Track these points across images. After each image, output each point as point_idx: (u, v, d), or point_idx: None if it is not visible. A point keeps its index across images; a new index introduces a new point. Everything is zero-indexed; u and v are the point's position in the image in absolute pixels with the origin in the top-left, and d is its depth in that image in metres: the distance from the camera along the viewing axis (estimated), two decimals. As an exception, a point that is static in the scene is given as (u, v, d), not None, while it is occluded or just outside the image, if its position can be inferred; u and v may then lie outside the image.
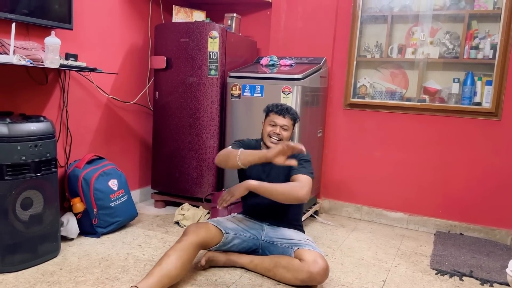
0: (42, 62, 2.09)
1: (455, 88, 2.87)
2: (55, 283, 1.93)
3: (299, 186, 2.01)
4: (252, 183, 2.02)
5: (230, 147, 2.24)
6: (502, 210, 2.82)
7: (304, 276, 1.95)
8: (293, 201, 2.04)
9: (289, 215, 2.26)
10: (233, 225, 2.23)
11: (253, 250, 2.22)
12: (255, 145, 2.33)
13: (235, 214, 2.39)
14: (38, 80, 2.41)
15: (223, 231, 2.16)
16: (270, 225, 2.25)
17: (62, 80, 2.55)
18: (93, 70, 2.34)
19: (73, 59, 2.37)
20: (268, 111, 2.26)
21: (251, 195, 2.25)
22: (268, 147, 2.19)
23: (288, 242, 2.13)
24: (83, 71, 2.50)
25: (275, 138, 2.19)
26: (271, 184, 2.02)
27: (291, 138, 2.64)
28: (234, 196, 2.03)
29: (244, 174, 2.28)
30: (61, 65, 2.16)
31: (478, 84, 2.82)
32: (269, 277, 2.08)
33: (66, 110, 2.59)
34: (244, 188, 2.03)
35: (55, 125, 2.25)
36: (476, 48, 2.82)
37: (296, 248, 2.07)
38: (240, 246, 2.19)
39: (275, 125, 2.20)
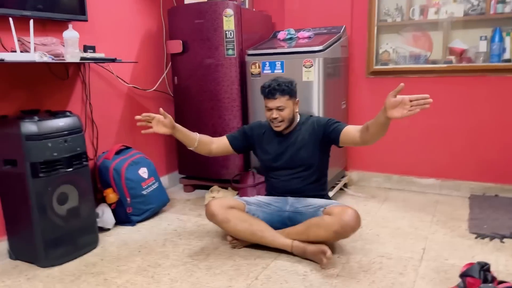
0: (63, 57, 2.08)
1: (483, 46, 2.76)
2: (99, 274, 1.98)
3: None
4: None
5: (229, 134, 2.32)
6: (539, 168, 2.74)
7: (337, 227, 1.94)
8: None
9: (312, 189, 2.23)
10: (255, 200, 2.26)
11: (282, 224, 2.19)
12: (265, 125, 2.29)
13: (258, 196, 2.39)
14: (60, 75, 2.40)
15: (245, 203, 2.20)
16: (294, 197, 2.24)
17: (83, 73, 2.54)
18: (113, 60, 2.33)
19: (91, 50, 2.35)
20: (262, 94, 2.18)
21: (273, 174, 2.27)
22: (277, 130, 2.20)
23: (314, 207, 2.12)
24: (103, 62, 2.49)
25: (276, 122, 2.15)
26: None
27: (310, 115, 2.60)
28: None
29: (261, 153, 2.29)
30: (82, 58, 2.14)
31: (507, 39, 2.70)
32: (303, 241, 2.07)
33: (90, 103, 2.60)
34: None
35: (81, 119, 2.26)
36: (503, 2, 2.67)
37: (323, 209, 2.07)
38: (266, 220, 2.18)
39: (270, 109, 2.14)
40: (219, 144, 2.29)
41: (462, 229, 2.37)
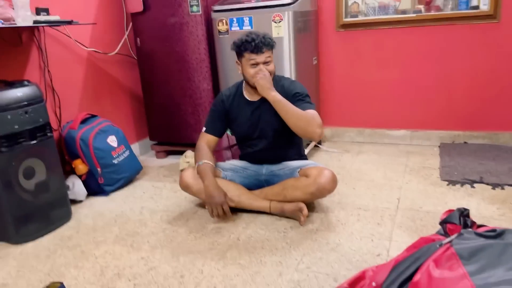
0: (14, 20, 1.91)
1: (451, -6, 2.74)
2: (75, 247, 1.92)
3: (316, 123, 1.90)
4: (273, 95, 1.91)
5: (204, 129, 2.16)
6: (505, 113, 2.81)
7: (313, 189, 1.94)
8: (305, 135, 1.96)
9: (289, 155, 2.18)
10: (231, 166, 2.21)
11: (259, 187, 2.17)
12: (235, 92, 2.14)
13: (233, 160, 2.34)
14: (12, 42, 2.22)
15: (220, 169, 2.16)
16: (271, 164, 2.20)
17: (38, 38, 2.36)
18: (69, 22, 2.17)
19: (45, 13, 2.18)
20: (241, 51, 1.98)
21: (248, 144, 2.19)
22: (254, 88, 2.00)
23: (291, 168, 2.10)
24: (58, 26, 2.31)
25: None
26: (290, 105, 1.91)
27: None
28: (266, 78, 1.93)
29: (233, 124, 2.17)
30: (35, 22, 1.98)
31: (475, -15, 2.69)
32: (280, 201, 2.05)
33: (48, 70, 2.44)
34: (267, 90, 1.92)
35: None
36: None
37: (299, 170, 2.06)
38: (243, 184, 2.16)
39: (256, 64, 1.97)
40: (210, 144, 2.14)
41: (434, 177, 2.44)
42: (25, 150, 1.95)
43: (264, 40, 1.95)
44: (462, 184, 2.30)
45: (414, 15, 2.82)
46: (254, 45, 1.93)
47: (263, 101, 2.05)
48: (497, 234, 1.02)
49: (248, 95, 2.12)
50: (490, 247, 0.98)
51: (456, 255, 1.00)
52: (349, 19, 2.99)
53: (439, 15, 2.78)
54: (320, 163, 2.28)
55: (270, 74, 1.99)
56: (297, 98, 1.99)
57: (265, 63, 1.97)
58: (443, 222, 1.16)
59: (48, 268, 1.76)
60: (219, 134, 2.18)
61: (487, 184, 2.27)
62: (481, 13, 2.68)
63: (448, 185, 2.31)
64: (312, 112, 1.94)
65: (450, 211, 1.19)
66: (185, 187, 2.14)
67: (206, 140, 2.15)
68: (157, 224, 2.09)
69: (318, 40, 3.11)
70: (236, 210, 2.12)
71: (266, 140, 2.12)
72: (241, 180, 2.17)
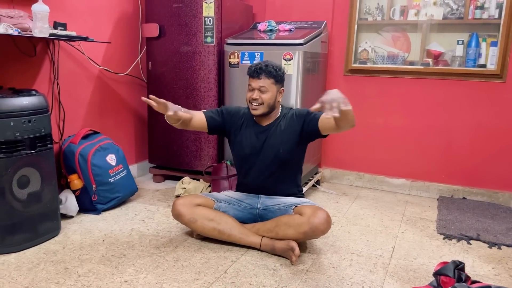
0: (31, 31, 1.95)
1: (459, 50, 2.80)
2: (59, 262, 1.87)
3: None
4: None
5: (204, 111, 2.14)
6: (505, 173, 2.81)
7: (306, 228, 1.91)
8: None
9: (286, 188, 2.17)
10: (225, 197, 2.18)
11: (252, 221, 2.15)
12: (244, 113, 2.16)
13: (229, 190, 2.32)
14: (26, 52, 2.26)
15: (214, 200, 2.13)
16: (266, 195, 2.18)
17: (52, 52, 2.40)
18: (85, 39, 2.21)
19: (62, 28, 2.23)
20: (247, 74, 2.05)
21: (247, 167, 2.17)
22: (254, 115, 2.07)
23: (286, 205, 2.08)
24: (73, 41, 2.36)
25: (254, 104, 2.01)
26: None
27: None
28: None
29: (235, 144, 2.16)
30: (51, 34, 2.02)
31: (483, 45, 2.75)
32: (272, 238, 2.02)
33: (57, 83, 2.46)
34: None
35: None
36: (481, 7, 2.72)
37: (294, 207, 2.04)
38: (237, 217, 2.13)
39: (252, 89, 2.01)
40: (198, 120, 2.09)
41: (431, 230, 2.40)
42: (22, 158, 1.94)
43: (266, 68, 1.99)
44: (459, 239, 2.26)
45: (422, 67, 2.87)
46: (254, 69, 2.01)
47: (270, 127, 2.08)
48: (491, 291, 0.98)
49: (256, 119, 2.13)
50: (483, 304, 0.95)
51: (448, 309, 0.97)
52: (357, 65, 3.05)
53: (446, 69, 2.83)
54: (316, 202, 2.26)
55: (263, 103, 2.01)
56: (312, 112, 1.99)
57: (261, 91, 2.00)
58: (436, 274, 1.13)
59: (28, 282, 1.71)
60: (208, 124, 2.11)
61: (484, 242, 2.23)
62: (488, 71, 2.73)
63: (444, 239, 2.27)
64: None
65: (445, 263, 1.15)
66: (176, 215, 2.10)
67: (198, 112, 2.12)
68: (145, 248, 2.04)
69: (326, 82, 3.15)
70: (227, 243, 2.08)
71: (266, 167, 2.10)
72: (235, 213, 2.14)
